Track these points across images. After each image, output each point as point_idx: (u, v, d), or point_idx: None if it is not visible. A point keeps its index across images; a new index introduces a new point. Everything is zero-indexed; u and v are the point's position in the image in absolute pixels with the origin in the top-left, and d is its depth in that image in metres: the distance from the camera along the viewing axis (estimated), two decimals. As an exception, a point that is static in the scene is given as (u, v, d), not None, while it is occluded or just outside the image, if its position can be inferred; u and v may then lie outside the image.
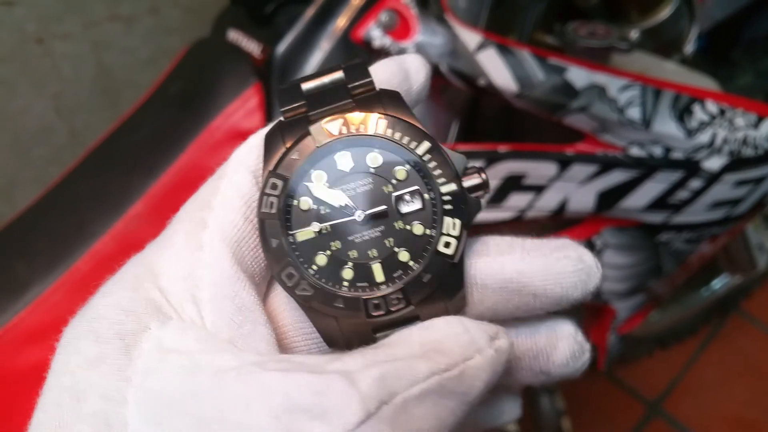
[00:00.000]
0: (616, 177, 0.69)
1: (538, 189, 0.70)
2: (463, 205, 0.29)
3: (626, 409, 1.44)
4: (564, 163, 0.68)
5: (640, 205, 0.72)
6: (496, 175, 0.68)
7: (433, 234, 0.28)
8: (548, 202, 0.71)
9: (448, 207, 0.28)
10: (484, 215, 0.69)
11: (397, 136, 0.29)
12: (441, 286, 0.28)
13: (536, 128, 0.76)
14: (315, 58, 0.69)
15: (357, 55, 0.69)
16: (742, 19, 1.15)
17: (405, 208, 0.29)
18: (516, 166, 0.68)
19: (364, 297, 0.28)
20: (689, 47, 0.86)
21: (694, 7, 0.83)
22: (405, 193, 0.29)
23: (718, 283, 1.44)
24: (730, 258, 1.30)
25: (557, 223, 0.78)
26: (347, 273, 0.29)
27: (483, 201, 0.29)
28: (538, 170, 0.68)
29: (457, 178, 0.29)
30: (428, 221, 0.29)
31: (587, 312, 0.94)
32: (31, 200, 0.70)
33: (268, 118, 0.69)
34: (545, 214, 0.72)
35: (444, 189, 0.28)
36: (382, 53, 0.64)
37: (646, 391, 1.46)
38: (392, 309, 0.28)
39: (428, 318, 0.28)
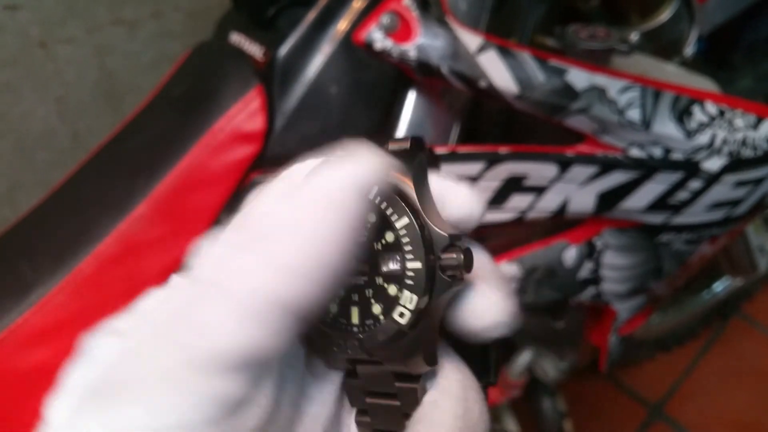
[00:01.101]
0: (616, 178, 0.70)
1: (539, 190, 0.70)
2: (429, 282, 0.29)
3: (628, 412, 1.44)
4: (564, 165, 0.69)
5: (640, 206, 0.72)
6: (498, 176, 0.69)
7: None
8: (549, 203, 0.71)
9: (409, 282, 0.29)
10: (486, 217, 0.69)
11: (383, 205, 0.30)
12: (395, 348, 0.30)
13: (537, 130, 0.77)
14: (316, 61, 0.70)
15: (362, 59, 0.69)
16: (742, 22, 1.15)
17: (385, 268, 0.30)
18: (517, 167, 0.68)
19: (334, 335, 0.30)
20: (689, 49, 0.86)
21: (694, 9, 0.84)
22: (387, 256, 0.30)
23: (720, 286, 1.45)
24: (731, 260, 1.30)
25: (558, 224, 0.78)
26: (333, 307, 0.30)
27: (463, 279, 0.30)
28: (539, 171, 0.69)
29: (426, 256, 0.29)
30: (402, 286, 0.29)
31: (588, 313, 0.94)
32: (34, 203, 0.71)
33: (270, 120, 0.70)
34: (546, 215, 0.72)
35: (409, 265, 0.29)
36: (384, 55, 0.65)
37: (648, 394, 1.46)
38: (350, 352, 0.30)
39: (388, 362, 0.30)
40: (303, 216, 0.22)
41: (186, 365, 0.21)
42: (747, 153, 0.70)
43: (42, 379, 0.62)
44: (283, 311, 0.21)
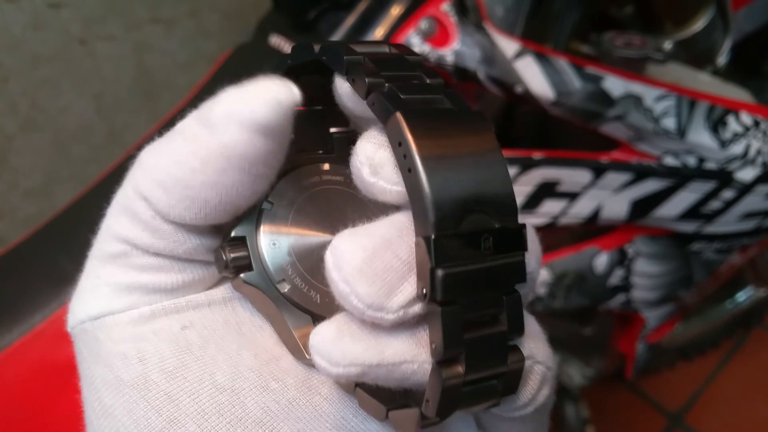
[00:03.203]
0: (649, 186, 0.70)
1: (572, 196, 0.71)
2: None
3: (648, 421, 1.43)
4: (598, 171, 0.69)
5: (672, 215, 0.73)
6: (531, 181, 0.69)
7: None
8: (582, 209, 0.71)
9: None
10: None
11: None
12: None
13: (571, 136, 0.77)
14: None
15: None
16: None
17: None
18: (550, 172, 0.69)
19: None
20: (722, 59, 0.86)
21: (729, 18, 0.84)
22: None
23: (743, 296, 1.44)
24: (756, 271, 1.30)
25: (589, 231, 0.79)
26: None
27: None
28: (573, 177, 0.69)
29: None
30: None
31: (616, 320, 0.94)
32: (72, 196, 0.72)
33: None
34: (578, 221, 0.72)
35: None
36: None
37: (669, 403, 1.46)
38: None
39: None
40: None
41: None
42: (781, 164, 0.70)
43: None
44: None
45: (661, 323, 0.88)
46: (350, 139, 0.30)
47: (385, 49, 0.26)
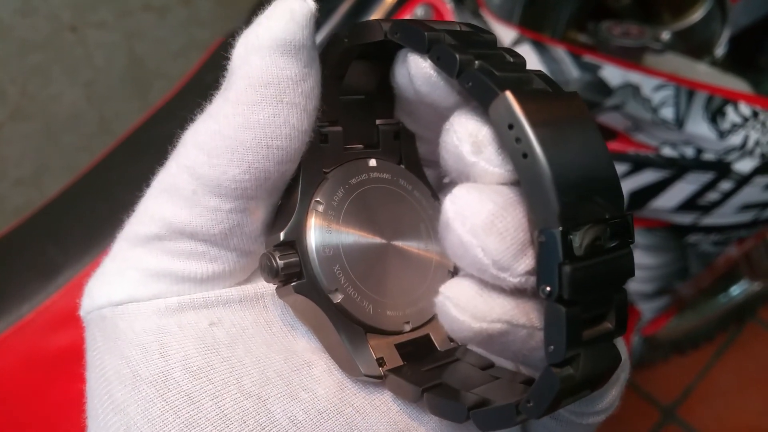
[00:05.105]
0: (647, 177, 0.70)
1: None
2: None
3: (641, 414, 1.43)
4: (595, 162, 0.68)
5: (670, 206, 0.72)
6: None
7: None
8: (578, 200, 0.71)
9: None
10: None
11: None
12: None
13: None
14: (348, 51, 0.70)
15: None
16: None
17: None
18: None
19: None
20: (720, 50, 0.86)
21: (727, 9, 0.83)
22: None
23: (737, 290, 1.44)
24: (751, 264, 1.30)
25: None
26: None
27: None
28: (570, 168, 0.69)
29: None
30: None
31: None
32: (62, 186, 0.71)
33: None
34: (574, 212, 0.72)
35: None
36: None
37: (662, 396, 1.46)
38: None
39: None
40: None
41: None
42: (780, 155, 0.70)
43: (68, 361, 0.62)
44: None
45: (656, 316, 0.88)
46: (396, 132, 0.29)
47: (456, 27, 0.25)
